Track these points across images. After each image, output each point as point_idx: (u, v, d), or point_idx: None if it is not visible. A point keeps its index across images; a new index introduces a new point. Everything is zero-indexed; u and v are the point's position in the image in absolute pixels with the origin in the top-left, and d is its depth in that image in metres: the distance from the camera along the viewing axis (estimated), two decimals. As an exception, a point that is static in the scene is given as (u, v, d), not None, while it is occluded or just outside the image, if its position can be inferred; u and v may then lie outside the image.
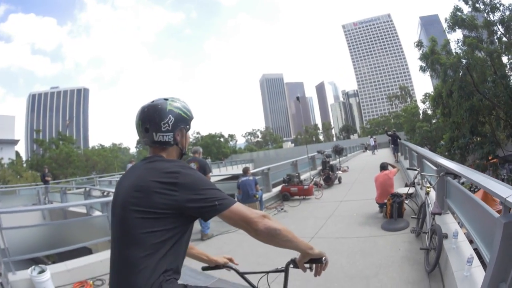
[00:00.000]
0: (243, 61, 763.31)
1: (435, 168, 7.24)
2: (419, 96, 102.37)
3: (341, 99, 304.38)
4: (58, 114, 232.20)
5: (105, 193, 12.19)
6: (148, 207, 1.67)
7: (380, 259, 5.47)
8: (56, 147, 63.66)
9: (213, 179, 22.57)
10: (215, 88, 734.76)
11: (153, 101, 2.00)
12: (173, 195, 1.67)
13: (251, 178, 10.30)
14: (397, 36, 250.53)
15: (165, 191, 1.68)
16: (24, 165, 64.16)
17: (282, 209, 10.63)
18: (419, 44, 33.27)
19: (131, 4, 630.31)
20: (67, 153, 57.49)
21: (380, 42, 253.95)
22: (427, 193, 5.88)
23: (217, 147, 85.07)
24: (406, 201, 7.84)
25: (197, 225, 9.05)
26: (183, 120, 1.99)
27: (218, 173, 38.97)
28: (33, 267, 5.49)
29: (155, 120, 1.90)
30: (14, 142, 70.10)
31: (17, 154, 75.27)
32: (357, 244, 6.29)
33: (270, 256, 6.10)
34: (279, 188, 12.82)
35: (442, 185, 6.02)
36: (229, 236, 8.37)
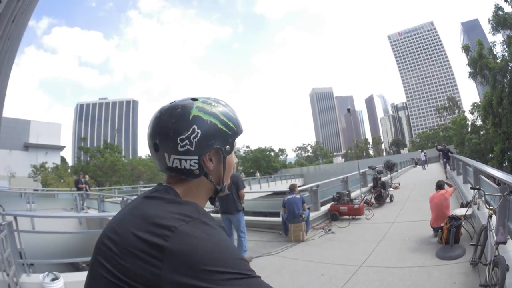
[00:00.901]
0: (292, 74, 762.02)
1: (496, 185, 6.66)
2: (466, 107, 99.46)
3: (391, 112, 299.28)
4: (106, 124, 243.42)
5: None
6: (117, 270, 1.01)
7: (434, 295, 4.83)
8: (102, 155, 66.04)
9: (257, 195, 22.29)
10: (265, 102, 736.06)
11: (173, 102, 1.28)
12: (153, 268, 0.96)
13: (298, 196, 9.80)
14: (441, 44, 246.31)
15: (144, 257, 0.98)
16: (69, 170, 66.72)
17: (329, 230, 9.98)
18: (467, 49, 32.23)
19: (177, 19, 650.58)
20: (112, 162, 59.79)
21: (425, 52, 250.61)
22: (490, 216, 5.19)
23: (266, 161, 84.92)
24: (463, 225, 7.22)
25: None
26: (221, 135, 1.24)
27: (267, 188, 38.81)
28: (46, 273, 5.51)
29: (168, 134, 1.19)
30: (60, 148, 74.56)
31: (63, 159, 79.55)
32: (409, 275, 5.63)
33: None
34: (328, 206, 12.17)
35: (505, 207, 5.40)
36: (268, 259, 7.87)
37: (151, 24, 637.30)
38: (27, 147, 74.72)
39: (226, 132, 1.25)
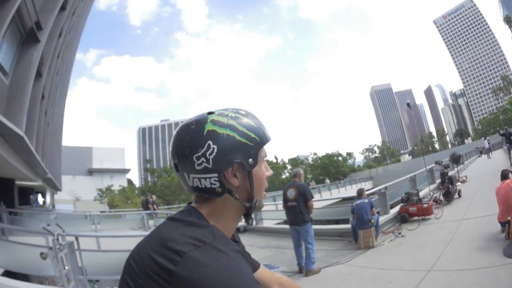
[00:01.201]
0: (350, 75, 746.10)
1: None
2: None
3: (450, 101, 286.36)
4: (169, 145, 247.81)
5: None
6: (136, 287, 1.03)
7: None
8: (168, 174, 67.38)
9: (327, 203, 22.05)
10: (327, 106, 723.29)
11: (189, 120, 1.22)
12: None
13: (366, 200, 9.58)
14: (484, 20, 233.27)
15: (156, 278, 0.98)
16: (136, 191, 68.45)
17: (399, 233, 9.64)
18: (508, 20, 30.94)
19: (224, 35, 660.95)
20: (179, 181, 61.16)
21: (472, 31, 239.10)
22: None
23: (335, 167, 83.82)
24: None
25: (292, 259, 8.58)
26: (242, 148, 1.15)
27: (337, 194, 38.33)
28: None
29: (184, 153, 1.14)
30: (125, 171, 78.22)
31: (129, 181, 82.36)
32: (477, 278, 5.32)
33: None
34: (397, 208, 11.78)
35: None
36: (337, 269, 7.69)
37: (201, 43, 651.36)
38: (91, 172, 78.50)
39: (247, 144, 1.16)
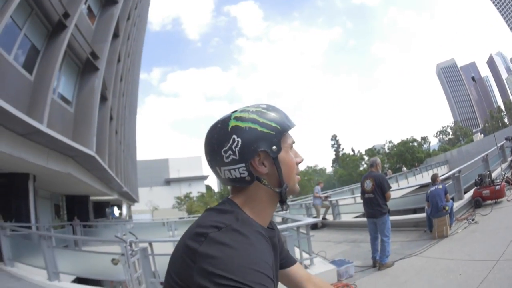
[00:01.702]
0: (413, 55, 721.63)
1: None
2: None
3: None
4: None
5: (284, 219, 11.41)
6: (174, 274, 1.12)
7: None
8: None
9: (403, 192, 21.46)
10: (396, 91, 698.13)
11: (216, 120, 1.31)
12: (189, 270, 1.04)
13: (440, 186, 9.25)
14: None
15: (186, 259, 1.07)
16: (215, 196, 69.08)
17: (473, 220, 9.25)
18: None
19: (284, 34, 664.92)
20: None
21: None
22: None
23: (411, 153, 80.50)
24: None
25: (367, 253, 8.51)
26: (264, 137, 1.22)
27: (414, 182, 37.15)
28: None
29: (213, 150, 1.24)
30: (203, 177, 79.84)
31: (208, 187, 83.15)
32: None
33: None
34: (471, 193, 11.32)
35: None
36: (410, 261, 7.54)
37: (263, 46, 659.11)
38: (168, 182, 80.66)
39: (269, 133, 1.22)
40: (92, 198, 26.35)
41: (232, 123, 1.22)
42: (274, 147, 1.23)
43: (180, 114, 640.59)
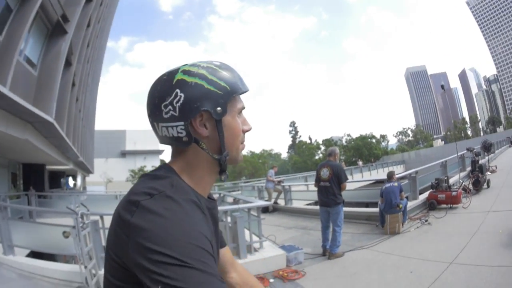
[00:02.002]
0: (384, 57, 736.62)
1: None
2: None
3: (484, 86, 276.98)
4: None
5: (236, 200, 11.61)
6: (111, 249, 1.02)
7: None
8: None
9: (357, 185, 21.90)
10: (363, 87, 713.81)
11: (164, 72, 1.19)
12: (124, 245, 0.94)
13: (395, 184, 9.37)
14: None
15: (120, 232, 0.97)
16: None
17: (426, 221, 9.46)
18: None
19: (259, 16, 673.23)
20: None
21: (506, 12, 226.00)
22: None
23: (368, 149, 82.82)
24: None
25: (317, 241, 8.61)
26: (210, 96, 1.11)
27: (368, 176, 38.04)
28: None
29: (154, 102, 1.13)
30: (159, 152, 79.67)
31: (163, 162, 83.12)
32: (496, 276, 5.13)
33: (398, 286, 5.58)
34: (426, 194, 11.58)
35: None
36: (361, 253, 7.65)
37: (234, 25, 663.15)
38: (124, 154, 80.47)
39: (216, 92, 1.12)
40: (48, 167, 25.95)
41: (179, 76, 1.12)
42: (218, 108, 1.13)
43: (141, 86, 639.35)
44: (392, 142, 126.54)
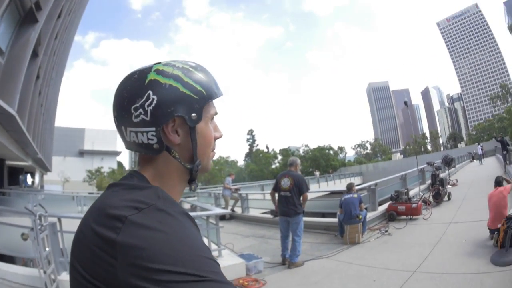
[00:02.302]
0: (348, 70, 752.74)
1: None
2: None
3: (446, 104, 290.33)
4: None
5: (193, 207, 11.36)
6: (84, 271, 0.87)
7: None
8: None
9: (315, 195, 22.10)
10: (323, 99, 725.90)
11: (134, 70, 1.08)
12: (109, 267, 0.81)
13: (355, 195, 9.51)
14: (488, 27, 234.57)
15: (100, 253, 0.83)
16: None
17: (386, 231, 9.63)
18: None
19: (226, 23, 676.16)
20: None
21: (474, 37, 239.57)
22: None
23: (325, 160, 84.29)
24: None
25: (276, 250, 8.60)
26: (185, 100, 1.01)
27: (325, 187, 38.47)
28: None
29: (122, 104, 1.01)
30: (116, 153, 79.62)
31: (119, 164, 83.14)
32: (462, 284, 5.23)
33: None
34: (385, 206, 11.78)
35: None
36: (321, 263, 7.64)
37: (201, 30, 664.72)
38: (82, 153, 79.57)
39: (191, 96, 1.02)
40: (8, 162, 24.89)
41: (151, 76, 1.01)
42: (193, 114, 1.03)
43: (102, 84, 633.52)
44: (350, 154, 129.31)
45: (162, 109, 0.98)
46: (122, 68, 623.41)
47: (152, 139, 1.00)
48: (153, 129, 0.99)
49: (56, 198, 27.25)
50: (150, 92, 0.98)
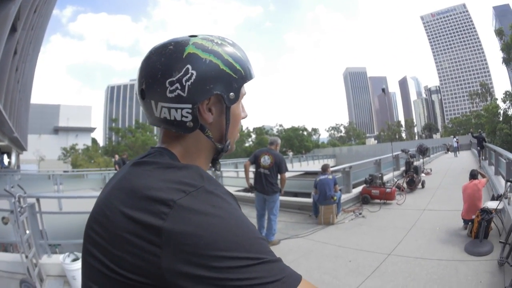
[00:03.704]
0: (326, 54, 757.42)
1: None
2: (498, 94, 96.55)
3: (424, 95, 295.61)
4: (137, 104, 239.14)
5: None
6: (109, 260, 0.82)
7: (459, 293, 4.62)
8: (133, 135, 66.57)
9: (289, 175, 22.27)
10: (299, 81, 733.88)
11: (167, 40, 1.02)
12: (151, 257, 0.76)
13: (330, 177, 9.50)
14: (473, 27, 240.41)
15: (138, 242, 0.78)
16: (100, 151, 68.36)
17: (360, 213, 9.79)
18: (500, 33, 31.54)
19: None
20: (143, 141, 60.06)
21: (458, 35, 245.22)
22: None
23: (299, 141, 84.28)
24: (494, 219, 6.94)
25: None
26: (224, 78, 0.98)
27: (299, 167, 38.63)
28: (67, 253, 5.52)
29: (155, 76, 0.94)
30: (91, 129, 78.07)
31: (94, 141, 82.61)
32: (437, 269, 5.40)
33: (338, 274, 5.56)
34: (359, 189, 11.95)
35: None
36: (297, 242, 7.68)
37: (180, 5, 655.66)
38: (57, 130, 77.86)
39: (231, 75, 0.98)
40: None
41: (190, 49, 0.95)
42: (232, 93, 1.00)
43: (78, 59, 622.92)
44: (324, 136, 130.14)
45: (202, 86, 0.94)
46: (98, 43, 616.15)
47: (186, 117, 0.96)
48: (189, 106, 0.95)
49: (33, 178, 26.78)
50: (189, 66, 0.93)
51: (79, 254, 5.44)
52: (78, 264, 5.23)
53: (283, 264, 0.82)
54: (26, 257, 5.35)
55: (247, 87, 1.08)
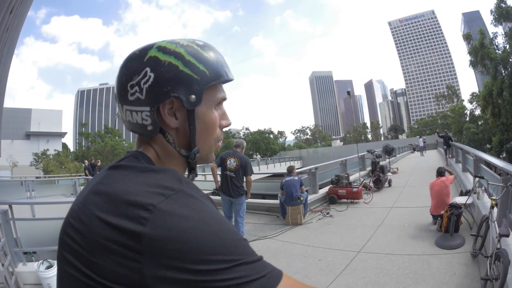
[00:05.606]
0: (292, 58, 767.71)
1: (497, 176, 6.51)
2: (465, 96, 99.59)
3: (390, 98, 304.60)
4: (107, 109, 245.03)
5: None
6: (87, 268, 0.75)
7: (433, 285, 4.63)
8: (102, 140, 66.71)
9: (256, 177, 22.32)
10: (266, 85, 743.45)
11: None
12: (132, 263, 0.71)
13: (296, 178, 9.60)
14: (441, 33, 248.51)
15: (118, 249, 0.73)
16: (70, 156, 67.81)
17: (328, 213, 9.84)
18: (468, 37, 32.40)
19: (176, 3, 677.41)
20: (112, 146, 59.97)
21: (425, 40, 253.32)
22: (492, 207, 4.96)
23: (265, 143, 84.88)
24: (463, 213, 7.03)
25: None
26: (184, 80, 0.92)
27: (265, 170, 38.89)
28: (41, 261, 5.39)
29: (121, 80, 0.95)
30: (61, 134, 76.51)
31: (65, 146, 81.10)
32: (409, 264, 5.44)
33: (308, 274, 5.53)
34: (326, 189, 12.04)
35: (507, 198, 5.21)
36: (265, 243, 7.69)
37: (150, 9, 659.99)
38: (28, 135, 76.03)
39: (191, 76, 0.92)
40: None
41: (152, 52, 0.93)
42: (193, 96, 0.93)
43: (49, 62, 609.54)
44: (290, 138, 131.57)
45: (158, 88, 0.91)
46: (70, 46, 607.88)
47: (146, 120, 0.93)
48: (147, 108, 0.92)
49: (4, 184, 26.36)
50: (148, 69, 0.91)
51: (53, 262, 5.34)
52: (53, 272, 5.15)
53: (265, 262, 0.80)
54: (2, 265, 5.19)
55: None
